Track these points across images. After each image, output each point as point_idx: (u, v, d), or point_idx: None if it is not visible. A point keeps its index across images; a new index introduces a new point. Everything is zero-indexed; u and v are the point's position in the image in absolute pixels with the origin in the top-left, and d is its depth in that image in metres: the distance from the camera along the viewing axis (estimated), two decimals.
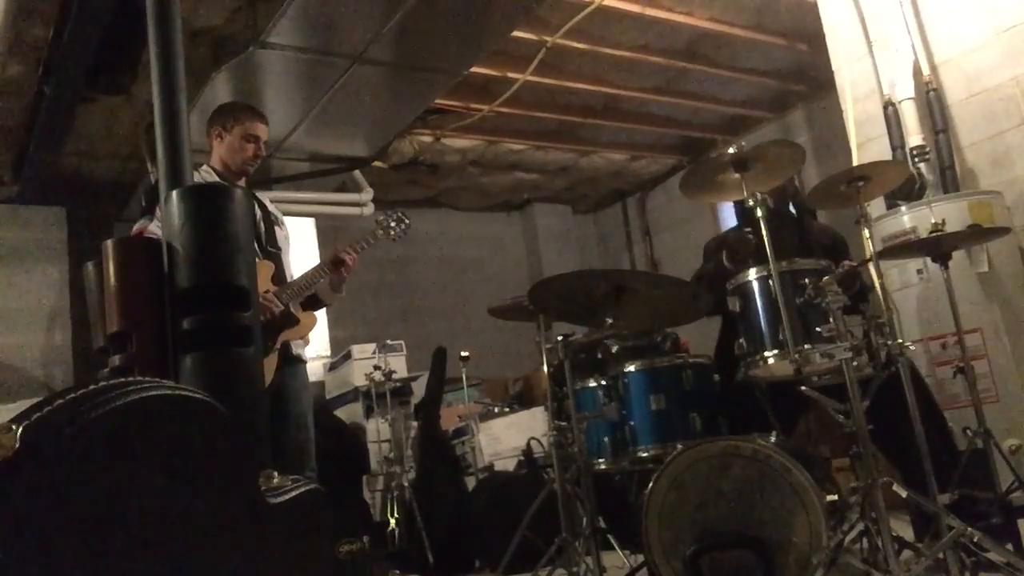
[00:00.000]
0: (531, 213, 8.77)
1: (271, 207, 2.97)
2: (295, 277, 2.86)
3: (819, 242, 3.00)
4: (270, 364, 2.59)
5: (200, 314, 1.06)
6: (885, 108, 4.05)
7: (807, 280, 2.27)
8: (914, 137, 3.92)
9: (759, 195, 2.30)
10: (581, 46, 5.39)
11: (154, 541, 0.75)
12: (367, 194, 6.44)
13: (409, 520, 4.15)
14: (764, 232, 2.28)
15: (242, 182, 2.86)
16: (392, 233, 3.09)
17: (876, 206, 3.78)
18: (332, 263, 2.83)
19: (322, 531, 0.95)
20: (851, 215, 2.51)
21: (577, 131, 7.02)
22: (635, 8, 5.04)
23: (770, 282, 2.29)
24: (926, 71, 3.99)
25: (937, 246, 2.71)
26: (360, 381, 5.27)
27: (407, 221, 3.12)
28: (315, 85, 4.81)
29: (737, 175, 2.37)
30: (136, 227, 2.78)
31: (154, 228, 2.65)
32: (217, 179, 2.85)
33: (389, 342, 5.22)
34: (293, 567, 0.90)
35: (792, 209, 3.11)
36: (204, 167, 2.87)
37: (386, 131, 5.76)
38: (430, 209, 8.21)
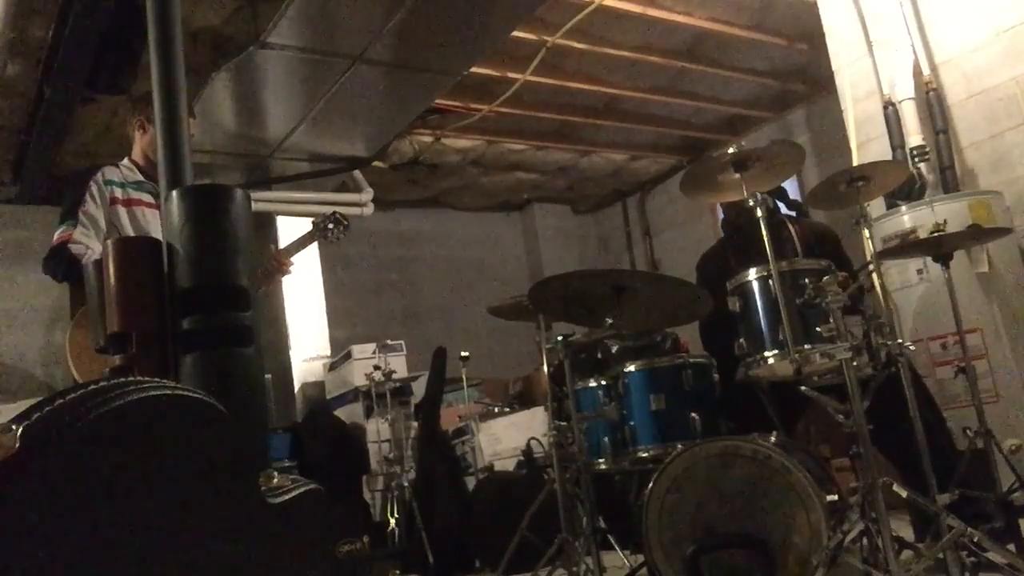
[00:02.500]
0: (531, 213, 8.77)
1: None
2: None
3: (804, 242, 3.00)
4: None
5: (200, 314, 1.06)
6: (885, 108, 4.05)
7: (807, 280, 2.27)
8: (914, 137, 3.92)
9: (759, 195, 2.30)
10: (581, 46, 5.39)
11: (154, 541, 0.75)
12: (367, 194, 6.44)
13: (409, 520, 4.15)
14: (764, 232, 2.28)
15: None
16: (329, 236, 3.07)
17: (876, 206, 3.78)
18: (266, 269, 2.84)
19: (322, 531, 0.95)
20: (851, 215, 2.51)
21: (577, 131, 7.02)
22: (635, 8, 5.04)
23: (770, 282, 2.29)
24: (926, 71, 3.99)
25: (938, 246, 2.71)
26: (360, 381, 5.27)
27: (345, 223, 3.10)
28: (315, 85, 4.81)
29: (737, 175, 2.37)
30: (57, 235, 2.63)
31: (79, 236, 2.58)
32: (138, 174, 2.78)
33: (389, 342, 5.22)
34: (293, 567, 0.90)
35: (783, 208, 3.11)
36: (124, 161, 2.83)
37: (386, 131, 5.76)
38: (430, 209, 8.21)
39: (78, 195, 2.67)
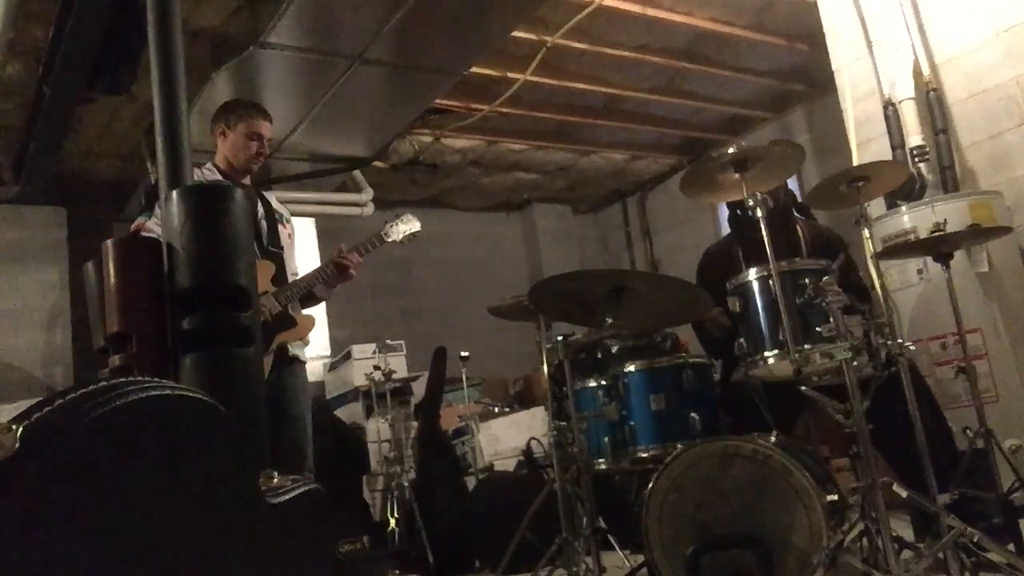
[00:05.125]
0: (531, 213, 8.77)
1: (276, 204, 2.94)
2: (298, 276, 2.85)
3: (812, 244, 3.01)
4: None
5: (200, 314, 1.06)
6: (885, 108, 4.05)
7: (807, 280, 2.27)
8: (914, 137, 3.92)
9: (759, 195, 2.30)
10: (581, 46, 5.39)
11: (154, 541, 0.75)
12: (367, 194, 6.45)
13: (409, 520, 4.15)
14: (765, 233, 2.28)
15: (246, 179, 2.86)
16: (401, 237, 3.06)
17: (876, 206, 3.78)
18: (336, 267, 2.79)
19: (322, 531, 0.95)
20: (851, 215, 2.51)
21: (577, 131, 7.02)
22: (635, 8, 5.04)
23: (770, 282, 2.29)
24: (926, 71, 3.99)
25: (938, 246, 2.71)
26: (360, 381, 5.27)
27: (416, 229, 3.06)
28: (315, 85, 4.81)
29: (737, 175, 2.37)
30: (135, 224, 2.75)
31: (151, 225, 2.65)
32: (219, 177, 2.85)
33: (389, 342, 5.22)
34: (293, 567, 0.90)
35: (794, 211, 3.12)
36: (207, 165, 2.87)
37: (386, 131, 5.76)
38: (430, 209, 8.20)
39: (158, 192, 2.72)
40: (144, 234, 2.65)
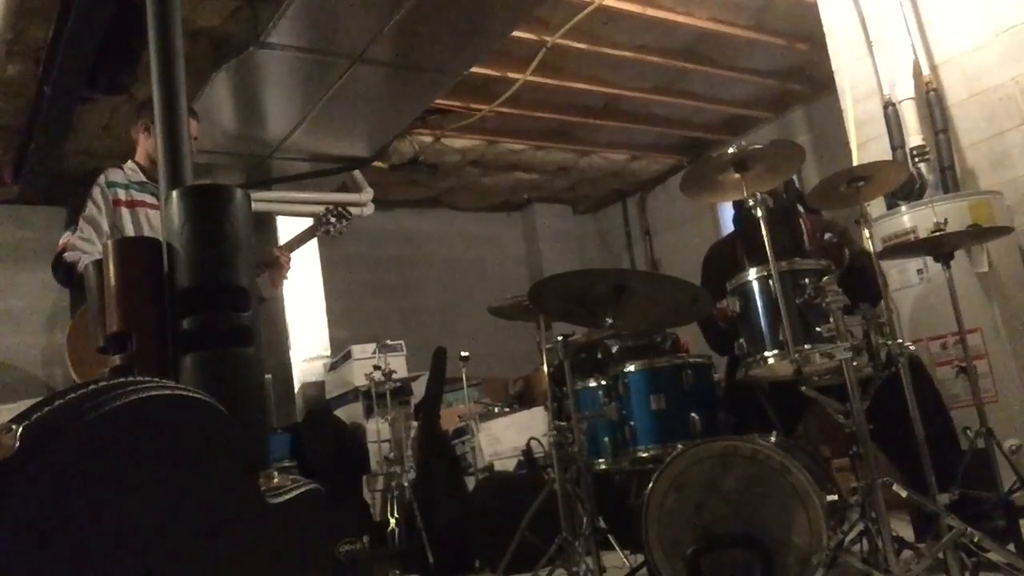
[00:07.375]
0: (531, 213, 8.77)
1: None
2: None
3: (813, 236, 3.00)
4: None
5: (200, 314, 1.06)
6: (885, 108, 4.05)
7: (807, 280, 2.27)
8: (914, 137, 3.92)
9: (759, 195, 2.30)
10: (581, 46, 5.39)
11: (154, 541, 0.75)
12: (367, 194, 6.44)
13: (409, 520, 4.14)
14: (764, 233, 2.28)
15: None
16: (332, 231, 3.11)
17: (876, 206, 3.78)
18: (264, 264, 2.87)
19: (322, 531, 0.95)
20: (851, 215, 2.51)
21: (577, 131, 7.02)
22: (635, 8, 5.04)
23: (770, 282, 2.29)
24: (926, 71, 3.99)
25: (938, 246, 2.71)
26: (360, 381, 5.27)
27: (348, 216, 3.16)
28: (315, 85, 4.81)
29: (737, 175, 2.37)
30: (61, 241, 2.72)
31: (77, 242, 2.65)
32: (142, 175, 2.84)
33: (389, 342, 5.21)
34: (293, 567, 0.90)
35: (799, 207, 3.11)
36: (128, 163, 2.88)
37: (386, 131, 5.76)
38: (430, 209, 8.21)
39: (81, 199, 2.73)
40: (67, 255, 2.65)
